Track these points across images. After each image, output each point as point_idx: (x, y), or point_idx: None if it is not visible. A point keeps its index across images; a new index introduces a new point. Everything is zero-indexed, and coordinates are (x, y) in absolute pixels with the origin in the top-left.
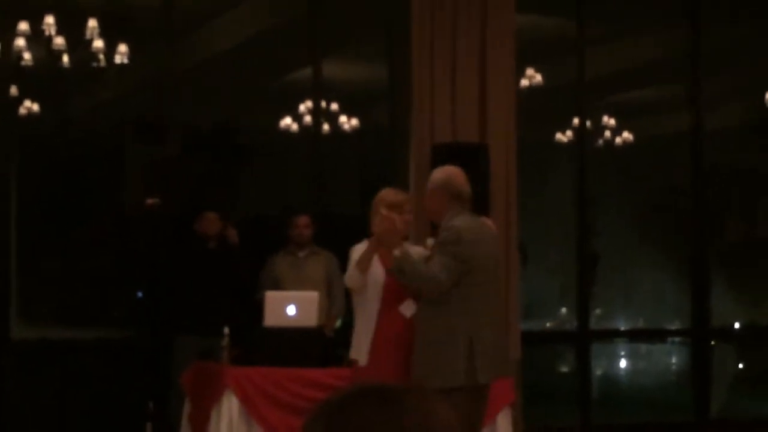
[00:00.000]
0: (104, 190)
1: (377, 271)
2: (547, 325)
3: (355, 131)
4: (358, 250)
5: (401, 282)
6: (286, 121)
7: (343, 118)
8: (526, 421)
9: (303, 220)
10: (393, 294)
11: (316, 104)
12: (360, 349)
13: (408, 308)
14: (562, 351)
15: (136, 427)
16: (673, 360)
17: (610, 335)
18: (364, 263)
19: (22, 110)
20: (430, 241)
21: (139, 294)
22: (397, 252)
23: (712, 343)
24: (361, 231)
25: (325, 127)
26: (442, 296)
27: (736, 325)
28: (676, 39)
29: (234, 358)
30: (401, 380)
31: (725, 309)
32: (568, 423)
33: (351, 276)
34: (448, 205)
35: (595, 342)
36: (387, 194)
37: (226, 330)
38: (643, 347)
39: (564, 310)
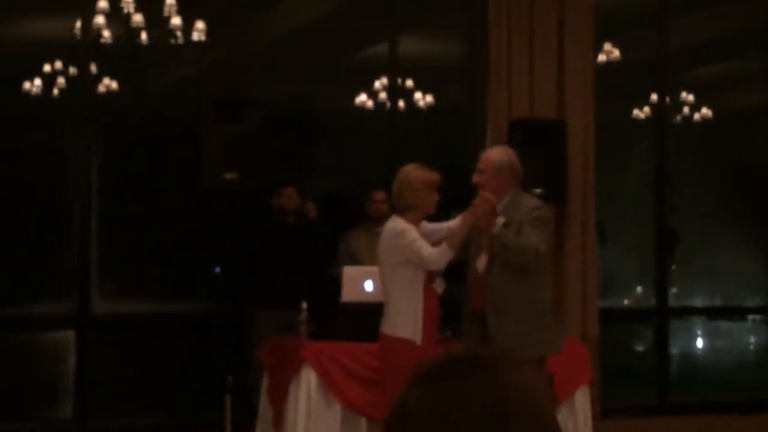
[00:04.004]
0: (183, 166)
1: None
2: (624, 302)
3: (429, 108)
4: (411, 229)
5: (506, 256)
6: (362, 98)
7: (417, 95)
8: (604, 399)
9: (380, 195)
10: (431, 271)
11: (392, 81)
12: (411, 326)
13: (440, 285)
14: (639, 329)
15: (215, 401)
16: (752, 338)
17: (689, 312)
18: (457, 242)
19: (101, 88)
20: (500, 220)
21: (217, 269)
22: (495, 229)
23: None
24: (443, 206)
25: (400, 103)
26: (538, 269)
27: None
28: (758, 10)
29: (312, 333)
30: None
31: None
32: (646, 401)
33: (444, 258)
34: (510, 186)
35: (673, 320)
36: (422, 172)
37: (304, 305)
38: (722, 325)
39: (639, 288)
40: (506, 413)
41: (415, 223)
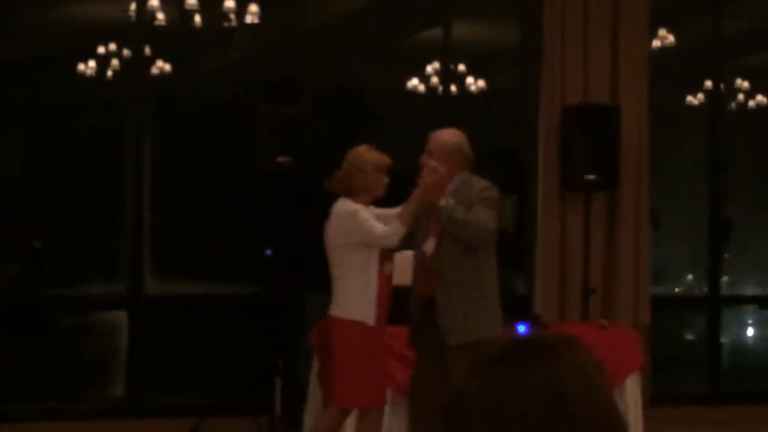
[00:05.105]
0: (235, 148)
1: None
2: (676, 290)
3: (481, 93)
4: (362, 209)
5: (452, 230)
6: (413, 82)
7: (470, 80)
8: (654, 387)
9: None
10: (384, 250)
11: (444, 65)
12: (363, 308)
13: (429, 247)
14: (690, 317)
15: (265, 383)
16: None
17: (741, 301)
18: (408, 218)
19: (155, 70)
20: (450, 200)
21: (268, 252)
22: (443, 202)
23: None
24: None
25: (452, 88)
26: (483, 248)
27: None
28: None
29: None
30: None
31: None
32: (697, 389)
33: (397, 234)
34: (459, 168)
35: (724, 308)
36: (373, 155)
37: None
38: None
39: (690, 276)
40: (565, 398)
41: (364, 205)
